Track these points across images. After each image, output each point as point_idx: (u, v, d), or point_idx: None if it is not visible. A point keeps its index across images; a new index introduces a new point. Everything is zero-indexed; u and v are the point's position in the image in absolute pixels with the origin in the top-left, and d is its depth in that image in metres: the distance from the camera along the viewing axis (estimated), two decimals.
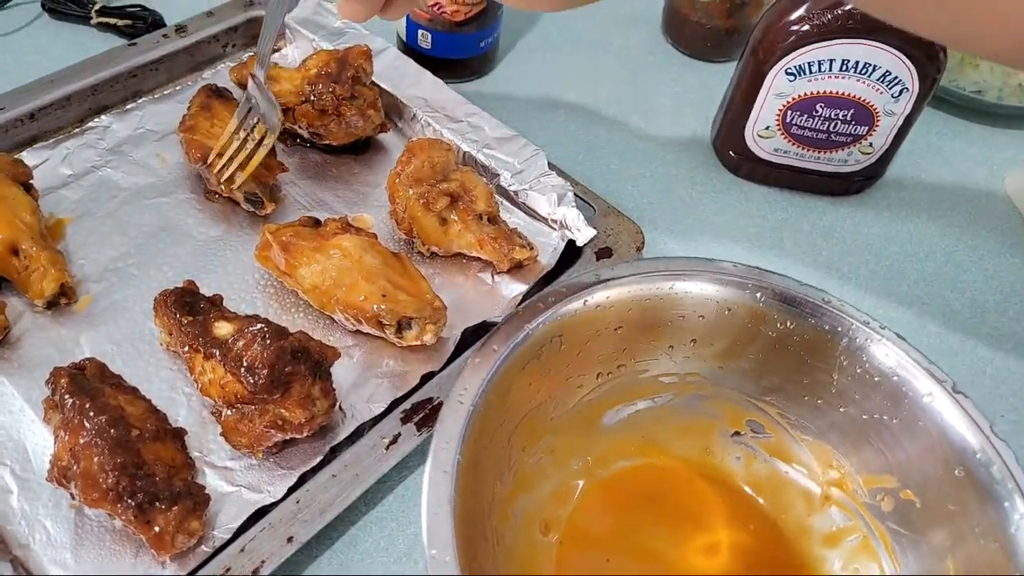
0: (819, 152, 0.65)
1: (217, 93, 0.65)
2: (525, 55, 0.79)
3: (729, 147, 0.68)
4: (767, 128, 0.64)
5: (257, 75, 0.58)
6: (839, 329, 0.44)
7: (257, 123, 0.59)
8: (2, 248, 0.53)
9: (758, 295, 0.45)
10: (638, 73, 0.78)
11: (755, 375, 0.48)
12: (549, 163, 0.62)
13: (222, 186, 0.60)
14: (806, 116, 0.63)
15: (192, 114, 0.63)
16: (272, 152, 0.63)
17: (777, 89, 0.62)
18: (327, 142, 0.64)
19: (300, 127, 0.64)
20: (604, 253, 0.59)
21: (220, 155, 0.59)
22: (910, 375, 0.42)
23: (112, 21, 0.74)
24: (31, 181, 0.58)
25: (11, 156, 0.58)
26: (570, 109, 0.74)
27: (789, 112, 0.63)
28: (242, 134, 0.59)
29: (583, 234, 0.58)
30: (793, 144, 0.65)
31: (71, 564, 0.44)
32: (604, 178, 0.68)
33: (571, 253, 0.59)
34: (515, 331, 0.43)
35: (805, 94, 0.61)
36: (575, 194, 0.61)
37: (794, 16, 0.59)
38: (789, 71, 0.60)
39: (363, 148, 0.67)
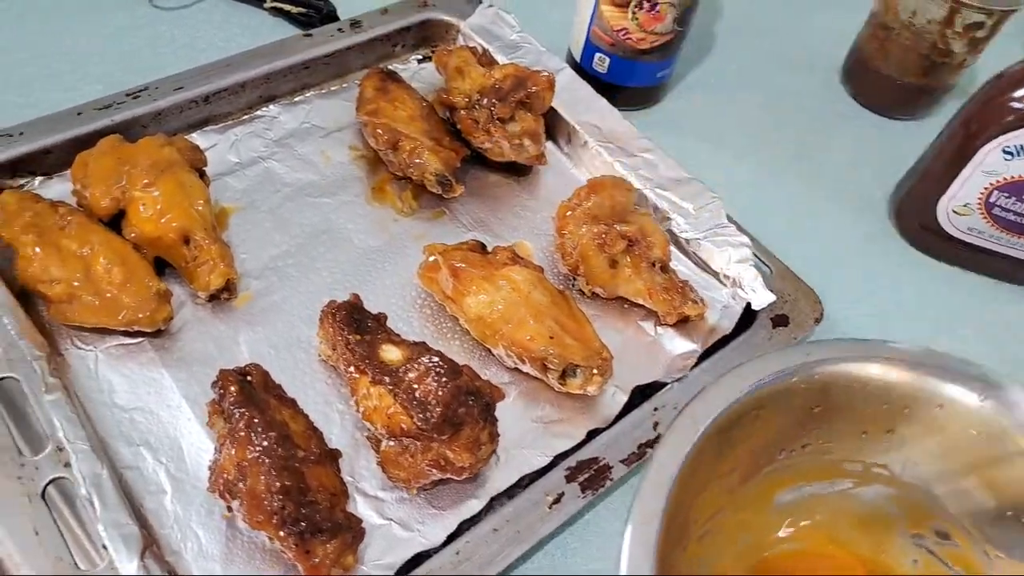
0: (1019, 238, 0.60)
1: (390, 76, 0.64)
2: (694, 89, 0.75)
3: (914, 218, 0.64)
4: (965, 205, 0.60)
5: None
6: None
7: None
8: (175, 235, 0.52)
9: (981, 397, 0.41)
10: (813, 121, 0.74)
11: (952, 477, 0.44)
12: (727, 215, 0.59)
13: (411, 170, 0.59)
14: (1014, 199, 0.58)
15: (371, 97, 0.62)
16: (457, 134, 0.62)
17: (988, 167, 0.57)
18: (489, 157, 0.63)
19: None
20: (780, 321, 0.55)
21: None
22: None
23: (286, 7, 0.73)
24: (205, 168, 0.57)
25: (190, 142, 0.57)
26: (738, 152, 0.70)
27: (996, 192, 0.58)
28: None
29: (760, 297, 0.55)
30: (991, 226, 0.60)
31: None
32: (772, 231, 0.64)
33: (745, 314, 0.56)
34: (719, 402, 0.40)
35: (1019, 176, 0.57)
36: (753, 252, 0.57)
37: (1021, 92, 0.54)
38: (1007, 150, 0.56)
39: (527, 170, 0.65)
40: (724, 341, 0.54)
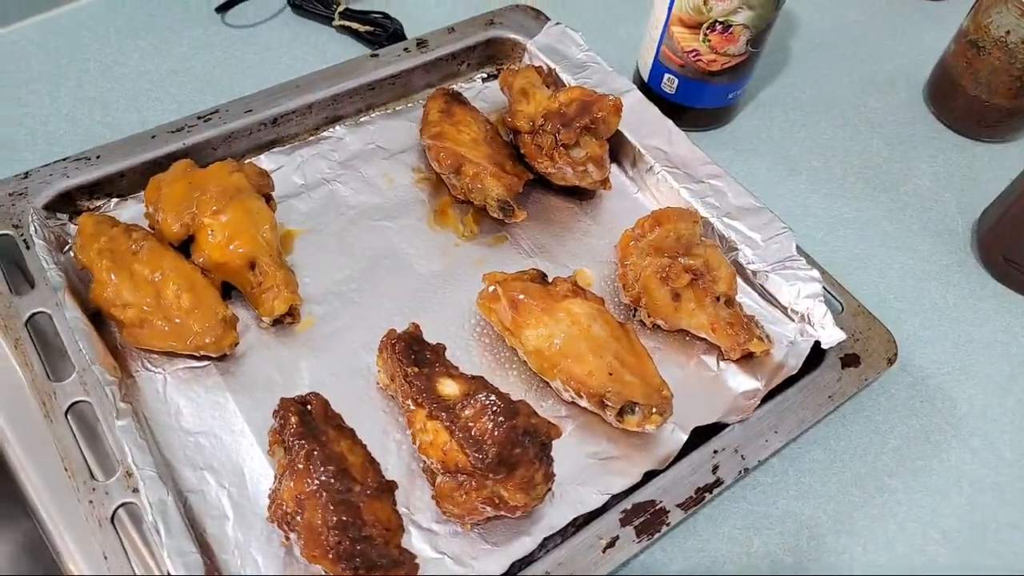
0: None
1: (455, 97, 0.64)
2: (767, 109, 0.73)
3: (1000, 250, 0.60)
4: None
5: None
6: None
7: None
8: (242, 261, 0.53)
9: None
10: (893, 144, 0.71)
11: None
12: (797, 247, 0.57)
13: (473, 194, 0.59)
14: None
15: (435, 120, 0.62)
16: (520, 157, 0.61)
17: None
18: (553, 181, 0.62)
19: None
20: (851, 361, 0.53)
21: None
22: None
23: (354, 26, 0.74)
24: (272, 193, 0.58)
25: (258, 167, 0.58)
26: (812, 177, 0.68)
27: None
28: None
29: (830, 335, 0.53)
30: None
31: None
32: (846, 263, 0.62)
33: (812, 353, 0.54)
34: None
35: None
36: (824, 287, 0.55)
37: None
38: None
39: (590, 194, 0.64)
40: (790, 381, 0.53)
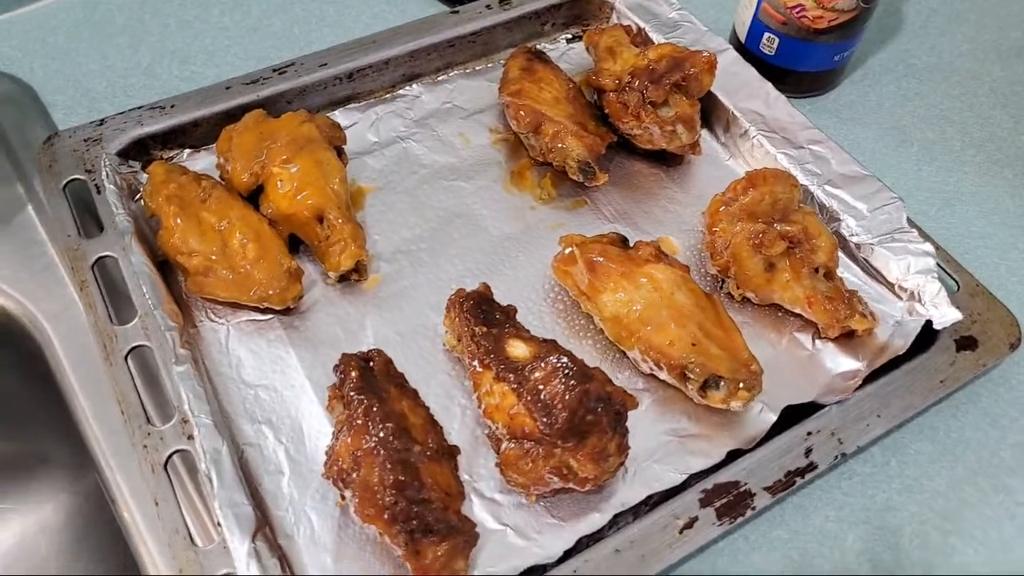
0: None
1: (537, 55, 0.61)
2: (878, 75, 0.67)
3: None
4: None
5: None
6: None
7: None
8: (310, 213, 0.51)
9: None
10: (1019, 117, 0.64)
11: None
12: (908, 218, 0.51)
13: (552, 155, 0.56)
14: None
15: (515, 77, 0.59)
16: (604, 119, 0.58)
17: None
18: (637, 144, 0.58)
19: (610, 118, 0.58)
20: (967, 344, 0.48)
21: None
22: None
23: None
24: (343, 146, 0.56)
25: (331, 119, 0.56)
26: (926, 148, 0.62)
27: None
28: None
29: (944, 315, 0.47)
30: None
31: (331, 568, 0.42)
32: (961, 242, 0.56)
33: (923, 334, 0.48)
34: None
35: None
36: (938, 263, 0.50)
37: None
38: None
39: (677, 160, 0.60)
40: (894, 363, 0.47)
